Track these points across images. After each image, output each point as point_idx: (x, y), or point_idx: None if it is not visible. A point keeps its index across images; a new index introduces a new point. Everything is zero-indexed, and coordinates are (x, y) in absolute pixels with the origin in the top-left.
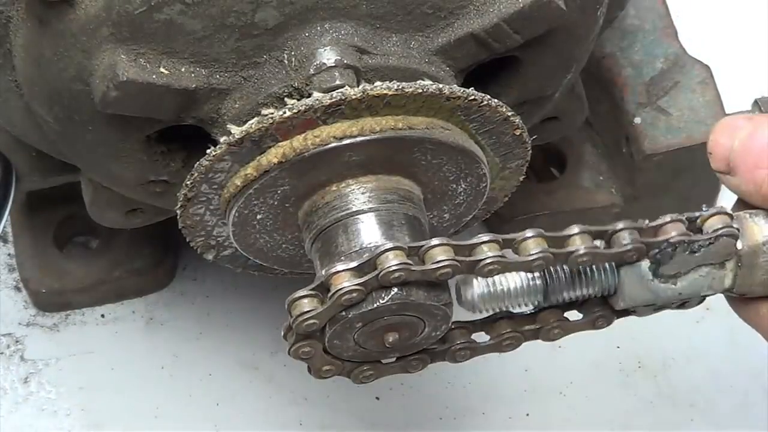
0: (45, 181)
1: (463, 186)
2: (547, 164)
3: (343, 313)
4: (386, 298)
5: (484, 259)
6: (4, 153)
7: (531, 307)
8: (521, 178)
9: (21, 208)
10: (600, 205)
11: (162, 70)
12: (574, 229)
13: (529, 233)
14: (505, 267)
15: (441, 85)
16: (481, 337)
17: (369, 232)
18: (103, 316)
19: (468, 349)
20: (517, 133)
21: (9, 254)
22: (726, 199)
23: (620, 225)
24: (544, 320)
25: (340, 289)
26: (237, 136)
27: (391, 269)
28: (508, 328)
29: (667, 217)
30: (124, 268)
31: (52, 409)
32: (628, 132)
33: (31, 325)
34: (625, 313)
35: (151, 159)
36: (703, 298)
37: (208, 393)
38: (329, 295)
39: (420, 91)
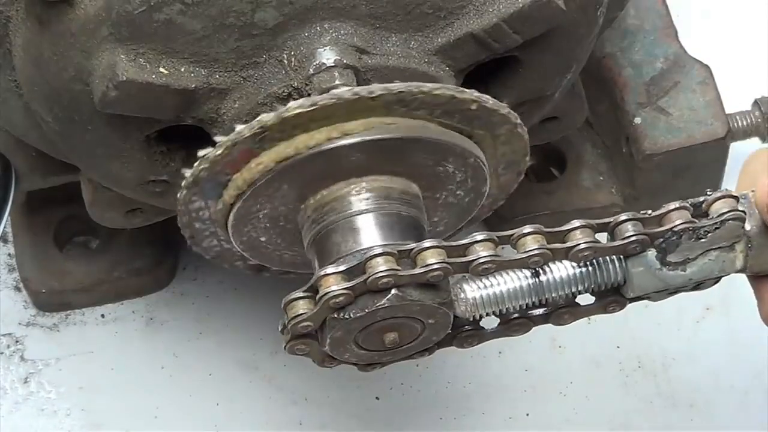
0: (45, 181)
1: (463, 184)
2: (547, 164)
3: (340, 315)
4: (383, 300)
5: (478, 258)
6: (4, 153)
7: (532, 306)
8: (521, 178)
9: (21, 208)
10: (600, 205)
11: (161, 69)
12: (575, 223)
13: (527, 229)
14: (500, 265)
15: (440, 86)
16: (488, 323)
17: (368, 232)
18: (103, 316)
19: (475, 336)
20: (517, 133)
21: (9, 254)
22: None
23: (623, 217)
24: (555, 305)
25: (328, 292)
26: (222, 148)
27: (378, 275)
28: (517, 312)
29: (672, 205)
30: (124, 268)
31: (52, 409)
32: (628, 132)
33: (31, 325)
34: (638, 299)
35: (150, 159)
36: (718, 279)
37: (208, 393)
38: (317, 297)
39: (419, 91)
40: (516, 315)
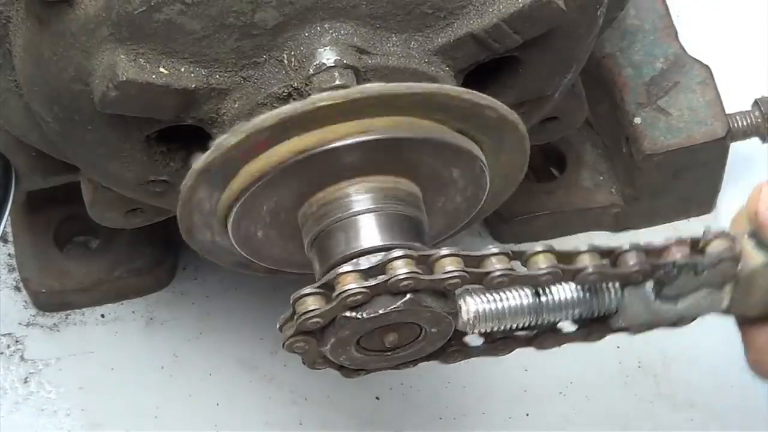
0: (45, 181)
1: (463, 186)
2: (547, 164)
3: (353, 315)
4: (398, 303)
5: (493, 271)
6: (4, 153)
7: (528, 325)
8: (518, 184)
9: (21, 208)
10: (600, 205)
11: (162, 70)
12: (583, 247)
13: (539, 247)
14: (514, 280)
15: (440, 86)
16: (473, 340)
17: (368, 233)
18: (103, 316)
19: (461, 352)
20: (517, 133)
21: (9, 254)
22: (725, 200)
23: (626, 246)
24: (537, 328)
25: (346, 290)
26: (234, 140)
27: (399, 277)
28: (502, 333)
29: (672, 239)
30: (125, 268)
31: (52, 409)
32: (628, 132)
33: (31, 325)
34: (620, 329)
35: (151, 159)
36: (695, 318)
37: (208, 393)
38: (334, 295)
39: (419, 91)
40: (501, 335)
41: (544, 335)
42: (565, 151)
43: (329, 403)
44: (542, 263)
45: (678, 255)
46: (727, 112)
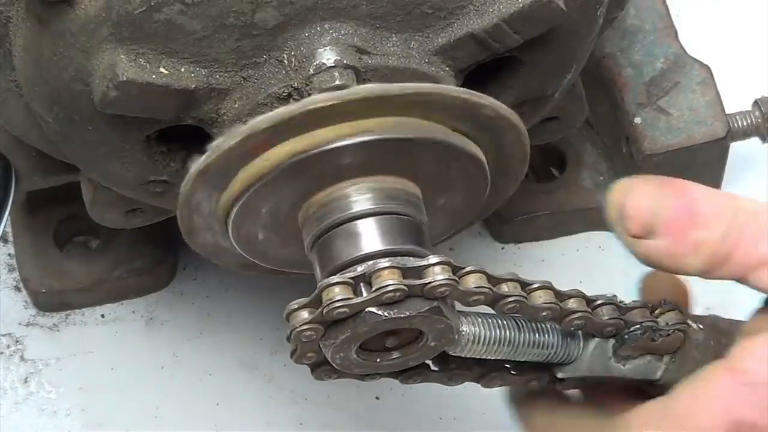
0: (45, 181)
1: (463, 186)
2: (547, 164)
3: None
4: (426, 308)
5: (509, 296)
6: (4, 153)
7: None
8: (518, 185)
9: (21, 208)
10: (600, 205)
11: (162, 70)
12: (573, 292)
13: (537, 284)
14: (522, 308)
15: (439, 86)
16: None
17: (369, 235)
18: (103, 316)
19: (419, 375)
20: (516, 133)
21: (9, 254)
22: None
23: (601, 300)
24: (491, 367)
25: (386, 285)
26: (231, 142)
27: (438, 283)
28: (454, 364)
29: (639, 302)
30: (125, 268)
31: (52, 409)
32: (628, 132)
33: (31, 325)
34: (560, 381)
35: (151, 159)
36: (630, 381)
37: (208, 393)
38: (374, 287)
39: (417, 91)
40: (454, 365)
41: (494, 374)
42: (565, 151)
43: (329, 403)
44: (543, 298)
45: (641, 317)
46: (727, 112)
